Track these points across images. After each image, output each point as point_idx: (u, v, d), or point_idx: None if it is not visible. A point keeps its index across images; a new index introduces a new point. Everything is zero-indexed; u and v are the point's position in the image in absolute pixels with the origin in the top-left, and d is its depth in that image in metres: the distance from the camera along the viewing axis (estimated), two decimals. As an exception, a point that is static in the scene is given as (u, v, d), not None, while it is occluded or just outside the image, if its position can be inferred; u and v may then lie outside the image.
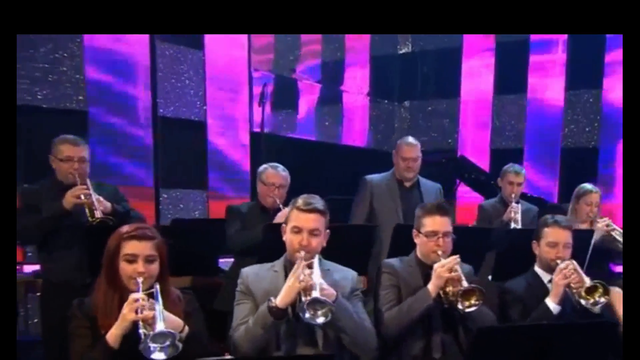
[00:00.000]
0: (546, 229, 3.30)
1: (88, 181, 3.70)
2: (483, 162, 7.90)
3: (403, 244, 3.32)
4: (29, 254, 4.93)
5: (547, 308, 3.07)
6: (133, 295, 2.31)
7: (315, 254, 2.67)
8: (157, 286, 2.39)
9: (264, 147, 6.76)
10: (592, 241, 3.85)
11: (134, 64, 5.83)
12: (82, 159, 3.74)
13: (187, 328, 2.38)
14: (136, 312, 2.26)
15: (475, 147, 8.13)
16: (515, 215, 4.61)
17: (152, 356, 2.14)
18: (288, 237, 2.70)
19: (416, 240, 3.11)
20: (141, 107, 5.91)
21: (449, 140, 8.37)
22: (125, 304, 2.29)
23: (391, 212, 4.50)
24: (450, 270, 2.86)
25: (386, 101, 8.85)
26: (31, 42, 5.28)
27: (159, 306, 2.31)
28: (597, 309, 3.10)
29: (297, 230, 2.68)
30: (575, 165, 7.34)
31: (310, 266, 2.62)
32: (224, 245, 4.05)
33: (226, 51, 6.62)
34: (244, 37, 6.78)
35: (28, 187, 4.03)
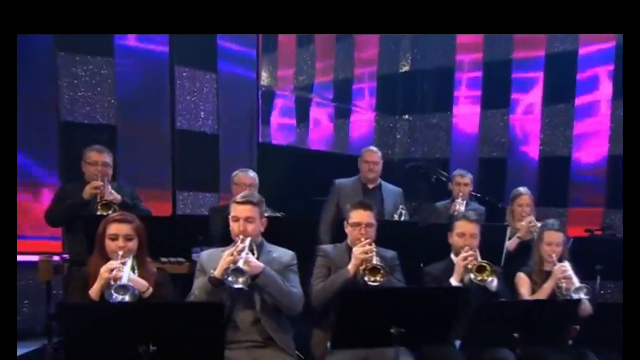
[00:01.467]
0: (457, 222, 3.79)
1: (106, 180, 4.36)
2: (472, 170, 8.29)
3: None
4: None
5: (450, 285, 3.56)
6: (110, 262, 2.95)
7: (251, 236, 3.18)
8: (130, 257, 3.02)
9: (272, 156, 7.32)
10: (507, 235, 4.32)
11: (156, 85, 6.29)
12: (105, 163, 4.46)
13: (150, 290, 3.00)
14: (110, 273, 2.88)
15: (464, 157, 8.33)
16: (460, 207, 4.93)
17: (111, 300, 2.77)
18: (230, 224, 3.28)
19: (346, 230, 3.68)
20: (162, 122, 6.34)
21: (443, 150, 8.60)
22: (103, 267, 2.91)
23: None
24: (365, 252, 3.42)
25: (389, 115, 9.12)
26: (71, 64, 5.85)
27: (127, 269, 2.92)
28: (493, 287, 3.59)
29: (236, 219, 3.24)
30: (550, 172, 7.62)
31: (249, 246, 3.15)
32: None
33: (236, 72, 6.95)
34: (252, 59, 7.11)
35: (61, 186, 4.78)
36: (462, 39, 8.34)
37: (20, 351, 4.86)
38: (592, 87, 7.26)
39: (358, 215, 3.59)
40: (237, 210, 3.25)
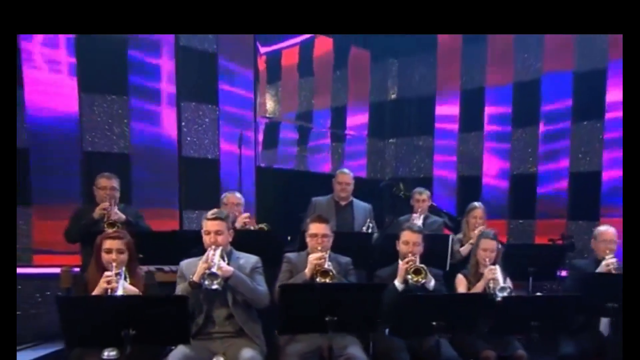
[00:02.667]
0: (402, 232, 4.20)
1: (113, 202, 4.88)
2: (451, 187, 8.77)
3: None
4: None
5: (394, 286, 3.99)
6: (106, 273, 3.44)
7: (220, 246, 3.66)
8: (123, 269, 3.52)
9: (271, 177, 7.82)
10: (450, 243, 4.76)
11: (164, 117, 6.81)
12: (112, 188, 4.98)
13: (140, 294, 3.53)
14: (108, 284, 3.39)
15: (444, 175, 8.80)
16: (416, 221, 5.23)
17: None
18: (203, 237, 3.75)
19: (307, 240, 4.17)
20: (170, 150, 6.83)
21: (427, 170, 9.05)
22: (101, 279, 3.41)
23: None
24: (318, 259, 3.84)
25: (379, 139, 9.56)
26: (92, 102, 6.41)
27: (122, 281, 3.42)
28: (430, 286, 4.03)
29: (207, 232, 3.72)
30: (519, 188, 8.03)
31: (221, 255, 3.64)
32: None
33: (236, 105, 7.45)
34: (250, 94, 7.63)
35: (76, 208, 5.28)
36: (441, 70, 8.84)
37: (45, 351, 5.44)
38: (556, 113, 7.71)
39: (315, 228, 4.03)
40: (208, 225, 3.74)
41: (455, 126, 8.78)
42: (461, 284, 4.31)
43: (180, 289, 3.68)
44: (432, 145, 9.01)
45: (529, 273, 4.72)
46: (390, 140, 9.59)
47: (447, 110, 8.84)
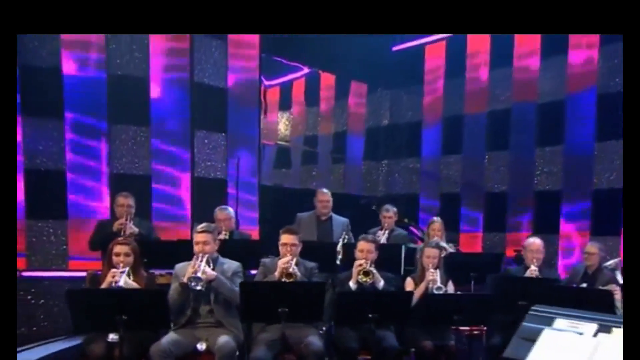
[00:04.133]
0: (358, 242, 4.73)
1: (129, 218, 5.45)
2: (435, 203, 9.30)
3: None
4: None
5: (349, 287, 4.52)
6: (112, 270, 4.04)
7: (207, 254, 4.20)
8: (127, 268, 4.08)
9: (272, 195, 8.41)
10: (403, 251, 5.26)
11: (181, 144, 7.47)
12: (129, 205, 5.53)
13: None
14: (112, 277, 4.02)
15: (429, 193, 9.33)
16: (379, 233, 5.80)
17: None
18: (194, 246, 4.28)
19: (279, 248, 4.74)
20: (184, 172, 7.49)
21: (415, 187, 9.56)
22: (108, 275, 4.05)
23: (311, 236, 5.76)
24: (285, 263, 4.37)
25: (373, 160, 10.11)
26: (117, 133, 7.10)
27: (124, 277, 4.00)
28: (379, 286, 4.55)
29: (197, 243, 4.25)
30: (493, 205, 8.48)
31: (207, 261, 4.20)
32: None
33: (242, 131, 7.99)
34: (255, 119, 8.16)
35: (98, 222, 5.89)
36: (427, 99, 9.38)
37: (68, 344, 5.96)
38: (523, 139, 8.19)
39: (285, 238, 4.57)
40: (197, 237, 4.32)
41: (438, 149, 9.30)
42: (409, 285, 4.85)
43: (173, 288, 4.27)
44: (418, 166, 9.53)
45: (471, 277, 5.19)
46: (383, 162, 10.09)
47: (431, 135, 9.36)
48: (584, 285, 5.08)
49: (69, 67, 6.85)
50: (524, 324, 3.07)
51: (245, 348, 4.32)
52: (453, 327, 4.50)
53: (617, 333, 2.79)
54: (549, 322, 3.01)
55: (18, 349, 5.84)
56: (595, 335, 2.82)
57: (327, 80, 10.33)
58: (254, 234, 7.38)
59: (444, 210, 8.93)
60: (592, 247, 5.44)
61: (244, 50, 8.05)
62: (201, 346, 4.19)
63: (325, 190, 6.18)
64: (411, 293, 4.33)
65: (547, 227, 7.69)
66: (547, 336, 2.92)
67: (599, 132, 7.37)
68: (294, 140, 10.63)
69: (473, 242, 8.36)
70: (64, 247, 6.93)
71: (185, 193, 7.54)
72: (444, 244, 5.63)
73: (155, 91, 7.37)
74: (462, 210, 8.70)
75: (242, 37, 7.96)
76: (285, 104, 10.81)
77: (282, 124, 10.80)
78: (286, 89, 10.77)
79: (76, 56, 6.92)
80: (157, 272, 5.20)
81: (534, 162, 8.01)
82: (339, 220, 6.08)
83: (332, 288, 4.84)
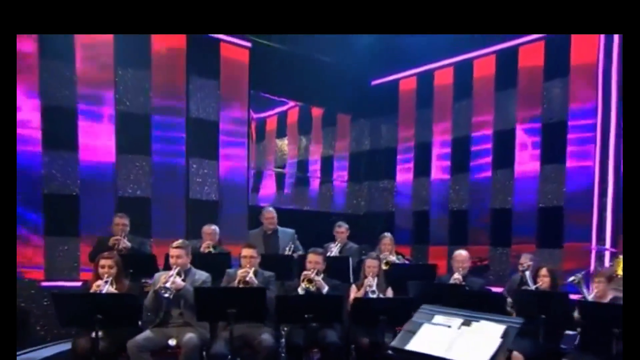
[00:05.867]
0: (308, 254, 5.24)
1: (123, 235, 6.03)
2: (408, 219, 9.76)
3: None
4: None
5: (298, 292, 5.05)
6: (97, 282, 4.57)
7: (179, 266, 4.73)
8: (110, 278, 4.59)
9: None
10: (350, 264, 5.72)
11: (177, 170, 8.06)
12: (123, 224, 6.12)
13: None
14: (97, 287, 4.59)
15: (404, 211, 9.79)
16: (335, 249, 6.26)
17: None
18: (170, 259, 4.88)
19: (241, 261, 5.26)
20: (179, 196, 8.07)
21: (390, 206, 10.06)
22: (94, 283, 4.63)
23: (259, 249, 5.97)
24: (243, 273, 4.92)
25: (356, 182, 10.56)
26: (127, 162, 7.82)
27: (107, 286, 4.52)
28: (324, 291, 5.06)
29: (172, 256, 4.80)
30: (457, 220, 8.91)
31: (178, 272, 4.76)
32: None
33: (232, 160, 8.55)
34: (243, 151, 8.75)
35: (97, 238, 6.41)
36: (401, 131, 9.91)
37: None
38: (480, 163, 8.66)
39: (245, 252, 5.08)
40: (172, 252, 4.85)
41: (411, 172, 9.81)
42: (353, 291, 5.35)
43: (149, 294, 4.83)
44: (394, 186, 10.02)
45: (408, 285, 5.60)
46: (365, 183, 10.56)
47: (405, 158, 9.90)
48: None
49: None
50: (412, 319, 3.59)
51: (209, 344, 4.84)
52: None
53: (475, 326, 3.31)
54: (429, 318, 3.54)
55: (36, 347, 6.52)
56: (459, 327, 3.34)
57: (316, 112, 10.87)
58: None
59: (415, 226, 9.38)
60: (525, 258, 5.89)
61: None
62: (172, 342, 4.72)
63: (270, 208, 6.76)
64: (341, 297, 4.81)
65: (501, 241, 8.12)
66: (425, 329, 3.45)
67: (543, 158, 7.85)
68: (289, 165, 11.12)
69: (440, 254, 8.74)
70: (76, 260, 7.50)
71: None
72: (392, 256, 6.11)
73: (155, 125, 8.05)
74: (432, 225, 9.13)
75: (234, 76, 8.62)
76: (281, 132, 11.35)
77: (278, 151, 11.30)
78: (282, 119, 11.32)
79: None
80: (150, 281, 5.64)
81: (490, 184, 8.42)
82: (286, 232, 6.60)
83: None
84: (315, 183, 10.87)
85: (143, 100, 7.91)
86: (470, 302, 4.31)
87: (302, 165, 11.08)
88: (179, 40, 8.11)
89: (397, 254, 6.56)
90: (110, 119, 7.69)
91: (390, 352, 3.54)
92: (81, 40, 7.31)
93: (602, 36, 6.68)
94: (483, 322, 3.30)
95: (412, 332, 3.46)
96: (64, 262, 7.49)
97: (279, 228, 6.66)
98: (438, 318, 3.50)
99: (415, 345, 3.35)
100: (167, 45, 8.03)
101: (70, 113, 7.39)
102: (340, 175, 10.64)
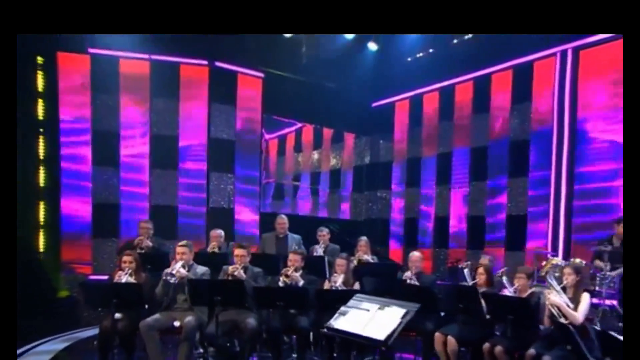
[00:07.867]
0: (289, 254, 5.88)
1: (146, 236, 6.78)
2: (401, 227, 10.34)
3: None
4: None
5: (279, 285, 5.78)
6: (118, 272, 5.38)
7: (184, 261, 5.38)
8: (130, 271, 5.39)
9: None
10: (326, 262, 6.33)
11: (199, 184, 9.06)
12: (148, 228, 6.92)
13: (139, 287, 5.58)
14: (118, 277, 5.47)
15: (397, 219, 10.37)
16: (320, 249, 6.80)
17: None
18: (175, 255, 5.63)
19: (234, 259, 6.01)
20: (200, 204, 8.98)
21: (387, 213, 10.61)
22: (116, 275, 5.51)
23: (272, 250, 6.88)
24: (234, 269, 5.62)
25: (358, 192, 11.22)
26: (157, 174, 8.95)
27: (126, 276, 5.32)
28: (300, 285, 5.77)
29: (178, 253, 5.50)
30: (438, 227, 9.46)
31: (183, 265, 5.51)
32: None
33: (245, 171, 9.37)
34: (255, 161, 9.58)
35: (126, 239, 7.34)
36: (396, 144, 10.51)
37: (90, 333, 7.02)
38: (461, 177, 9.18)
39: (237, 251, 5.73)
40: (178, 249, 5.54)
41: (402, 184, 10.38)
42: (326, 285, 6.00)
43: (160, 283, 5.58)
44: (389, 196, 10.62)
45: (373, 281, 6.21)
46: (365, 193, 11.18)
47: (398, 172, 10.49)
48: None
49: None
50: (346, 305, 4.28)
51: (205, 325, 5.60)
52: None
53: (387, 310, 3.99)
54: (358, 304, 4.23)
55: (85, 328, 7.34)
56: (376, 311, 4.03)
57: (327, 132, 11.64)
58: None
59: (406, 231, 9.97)
60: (485, 260, 6.42)
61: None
62: (176, 323, 5.46)
63: (282, 215, 7.34)
64: (306, 289, 5.44)
65: (476, 244, 8.64)
66: (352, 312, 4.15)
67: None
68: (302, 177, 11.88)
69: (427, 256, 9.27)
70: (115, 258, 8.36)
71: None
72: (366, 256, 6.66)
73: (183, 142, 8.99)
74: (419, 231, 9.72)
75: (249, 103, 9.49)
76: (297, 149, 12.16)
77: (294, 164, 12.09)
78: (298, 137, 12.15)
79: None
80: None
81: (468, 194, 8.96)
82: (294, 238, 7.14)
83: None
84: (322, 194, 11.59)
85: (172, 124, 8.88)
86: (409, 294, 4.92)
87: (315, 177, 11.82)
88: (202, 71, 9.02)
89: (376, 254, 7.10)
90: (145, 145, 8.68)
91: (325, 330, 4.16)
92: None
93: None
94: (393, 307, 3.98)
95: (343, 314, 4.18)
96: (106, 259, 8.52)
97: (289, 234, 7.03)
98: (364, 304, 4.19)
99: (342, 324, 4.07)
100: (191, 75, 8.96)
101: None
102: (346, 187, 11.31)
